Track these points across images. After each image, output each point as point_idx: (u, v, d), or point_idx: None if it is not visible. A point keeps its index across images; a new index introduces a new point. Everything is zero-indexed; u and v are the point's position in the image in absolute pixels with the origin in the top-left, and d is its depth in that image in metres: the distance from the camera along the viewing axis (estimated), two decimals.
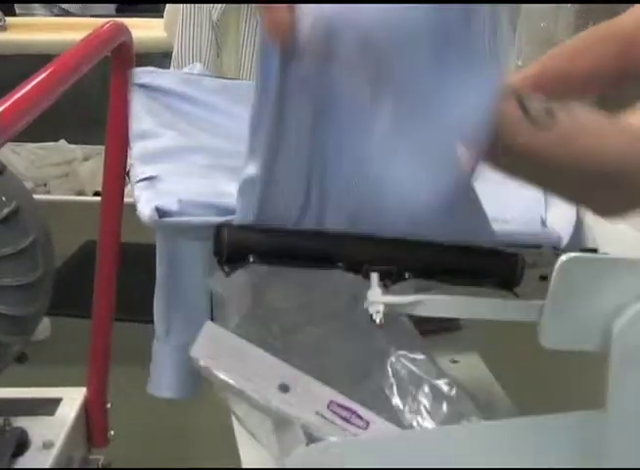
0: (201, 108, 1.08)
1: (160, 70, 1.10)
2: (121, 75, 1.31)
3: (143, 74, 1.08)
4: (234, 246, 0.76)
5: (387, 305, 0.73)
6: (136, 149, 0.97)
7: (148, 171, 0.88)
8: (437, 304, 0.74)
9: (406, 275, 0.77)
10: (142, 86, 1.07)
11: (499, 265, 0.80)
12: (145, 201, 0.81)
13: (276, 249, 0.77)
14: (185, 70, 1.21)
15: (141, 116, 1.03)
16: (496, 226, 0.85)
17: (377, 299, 0.74)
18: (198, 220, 0.78)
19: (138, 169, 0.90)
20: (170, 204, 0.79)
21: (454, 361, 1.16)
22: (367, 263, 0.76)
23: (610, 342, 0.71)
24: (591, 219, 0.88)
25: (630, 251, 0.81)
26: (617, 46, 0.96)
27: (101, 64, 1.22)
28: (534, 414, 0.78)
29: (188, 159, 0.94)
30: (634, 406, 0.73)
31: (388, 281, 0.76)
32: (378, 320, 0.72)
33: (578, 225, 0.89)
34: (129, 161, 0.95)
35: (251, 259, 0.76)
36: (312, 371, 0.84)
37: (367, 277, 0.76)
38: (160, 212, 0.78)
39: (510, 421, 0.78)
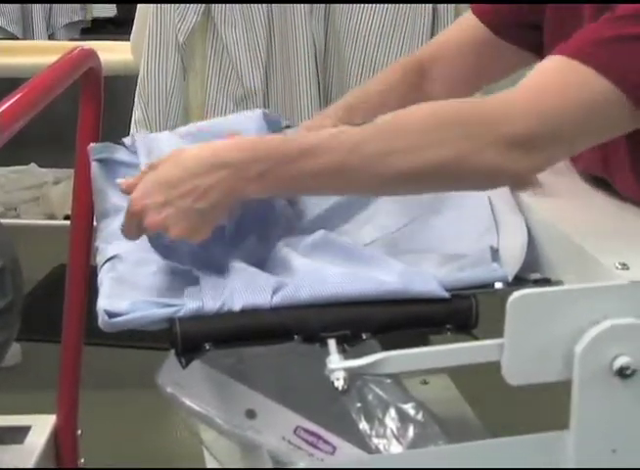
0: None
1: (116, 145, 1.10)
2: (90, 100, 1.31)
3: (100, 150, 1.09)
4: (188, 336, 0.77)
5: (347, 370, 0.73)
6: (100, 230, 1.00)
7: (110, 251, 0.92)
8: (398, 359, 0.74)
9: (363, 336, 0.78)
10: (101, 161, 1.08)
11: (454, 312, 0.81)
12: (102, 296, 0.83)
13: (232, 332, 0.77)
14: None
15: (104, 190, 1.04)
16: (452, 266, 0.86)
17: (336, 366, 0.73)
18: (146, 319, 0.79)
19: (101, 252, 0.94)
20: (119, 304, 0.80)
21: (424, 382, 1.16)
22: (322, 331, 0.77)
23: (571, 366, 0.72)
24: (544, 239, 0.90)
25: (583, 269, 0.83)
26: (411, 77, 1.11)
27: (71, 86, 1.22)
28: (503, 434, 0.79)
29: None
30: (596, 427, 0.74)
31: (346, 345, 0.77)
32: (340, 387, 0.72)
33: (531, 249, 0.90)
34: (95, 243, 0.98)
35: (207, 347, 0.76)
36: (279, 396, 0.84)
37: (324, 345, 0.76)
38: (110, 314, 0.80)
39: (475, 444, 0.78)
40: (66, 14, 3.41)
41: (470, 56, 1.11)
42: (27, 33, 3.34)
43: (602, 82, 0.80)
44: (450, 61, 1.12)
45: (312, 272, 0.81)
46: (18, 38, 3.23)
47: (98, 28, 3.54)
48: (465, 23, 1.14)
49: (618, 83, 0.80)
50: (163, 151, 1.06)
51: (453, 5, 1.70)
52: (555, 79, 0.82)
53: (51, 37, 3.38)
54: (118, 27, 3.38)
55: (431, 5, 1.68)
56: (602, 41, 0.81)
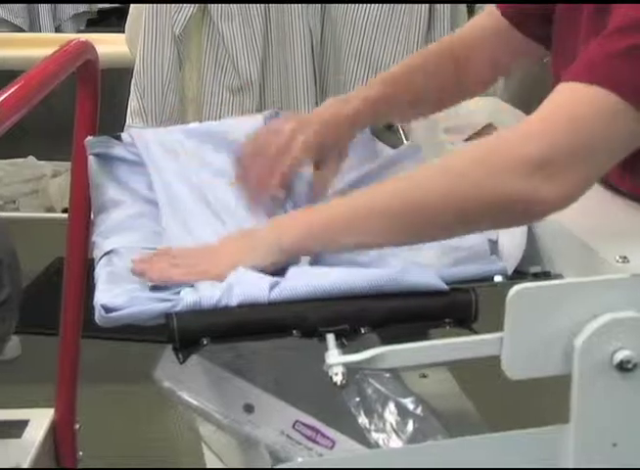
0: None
1: (113, 140, 1.09)
2: (87, 92, 1.30)
3: (97, 144, 1.08)
4: (186, 331, 0.76)
5: (346, 365, 0.72)
6: (97, 225, 1.00)
7: (107, 246, 0.93)
8: (397, 354, 0.73)
9: (362, 330, 0.77)
10: (98, 156, 1.07)
11: (453, 305, 0.80)
12: (99, 291, 0.84)
13: (229, 327, 0.77)
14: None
15: (101, 185, 1.04)
16: (450, 258, 0.86)
17: (335, 361, 0.73)
18: (143, 314, 0.78)
19: (98, 246, 0.95)
20: (116, 299, 0.80)
21: (423, 376, 1.16)
22: (321, 326, 0.76)
23: (572, 360, 0.72)
24: (544, 232, 0.89)
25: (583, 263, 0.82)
26: (447, 65, 1.08)
27: (69, 79, 1.22)
28: (503, 428, 0.79)
29: (142, 227, 0.97)
30: (597, 421, 0.74)
31: (345, 340, 0.76)
32: (339, 382, 0.72)
33: (531, 243, 0.89)
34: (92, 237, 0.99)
35: (205, 342, 0.76)
36: (277, 391, 0.84)
37: (323, 340, 0.76)
38: (107, 309, 0.79)
39: (475, 438, 0.78)
40: (71, 5, 3.41)
41: (495, 38, 1.09)
42: (34, 26, 3.34)
43: (610, 98, 0.79)
44: (483, 44, 1.10)
45: (309, 269, 0.81)
46: (24, 31, 3.23)
47: (104, 19, 3.54)
48: (485, 16, 1.12)
49: (627, 97, 0.79)
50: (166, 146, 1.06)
51: None
52: (564, 102, 0.82)
53: (58, 29, 3.38)
54: (120, 19, 3.37)
55: None
56: (607, 57, 0.81)
